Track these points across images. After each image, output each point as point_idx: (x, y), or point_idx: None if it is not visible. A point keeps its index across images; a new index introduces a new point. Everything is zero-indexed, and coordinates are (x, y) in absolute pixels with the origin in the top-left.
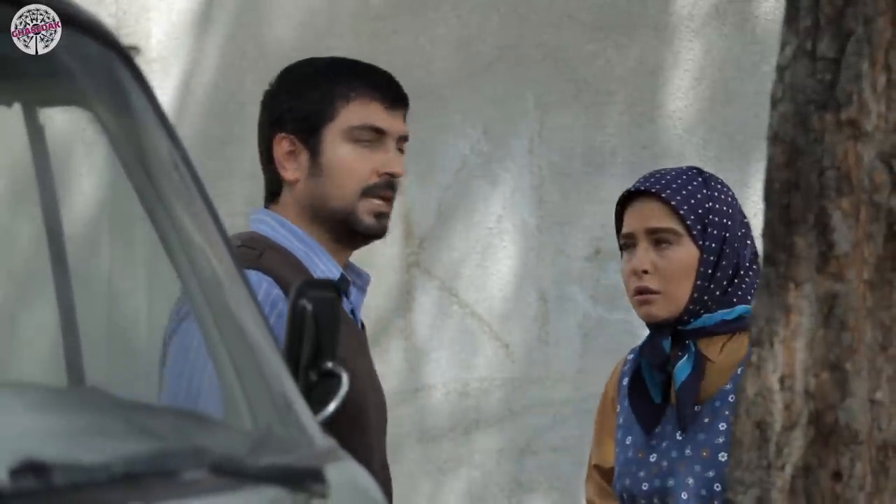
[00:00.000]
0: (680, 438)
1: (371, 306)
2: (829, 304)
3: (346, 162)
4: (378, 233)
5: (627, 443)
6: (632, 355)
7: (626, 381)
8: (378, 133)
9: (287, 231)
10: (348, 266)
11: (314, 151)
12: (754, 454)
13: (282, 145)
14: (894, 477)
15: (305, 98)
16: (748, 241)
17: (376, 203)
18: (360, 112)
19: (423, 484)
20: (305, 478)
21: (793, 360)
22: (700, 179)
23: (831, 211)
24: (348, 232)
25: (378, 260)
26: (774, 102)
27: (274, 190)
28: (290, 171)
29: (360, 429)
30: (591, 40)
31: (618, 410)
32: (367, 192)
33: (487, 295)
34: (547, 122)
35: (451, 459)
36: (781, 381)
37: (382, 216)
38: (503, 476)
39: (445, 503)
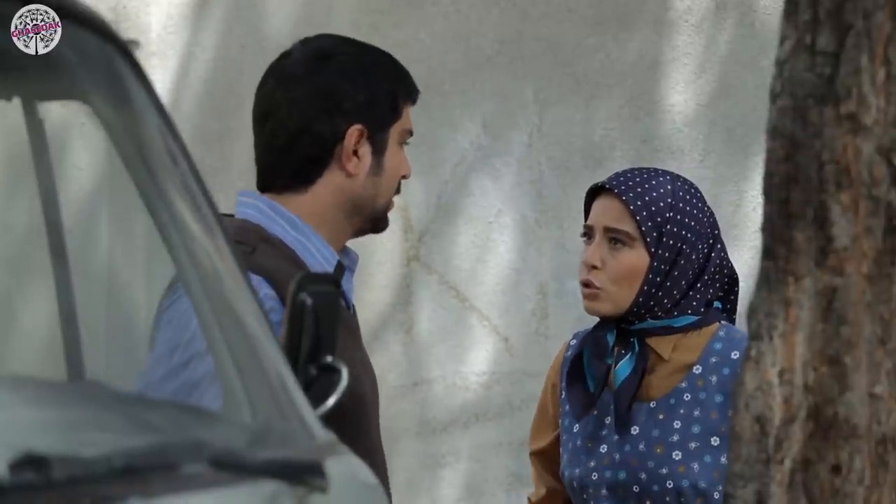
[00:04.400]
0: (634, 434)
1: (370, 300)
2: (829, 298)
3: (397, 164)
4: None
5: (575, 430)
6: (574, 340)
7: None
8: (410, 136)
9: (279, 216)
10: (342, 248)
11: (379, 149)
12: (753, 448)
13: (353, 136)
14: (893, 471)
15: (378, 92)
16: (713, 253)
17: (392, 202)
18: (408, 116)
19: (421, 477)
20: (305, 472)
21: (792, 354)
22: (669, 187)
23: (830, 205)
24: (373, 228)
25: (378, 254)
26: (773, 96)
27: (306, 175)
28: (354, 166)
29: (361, 416)
30: (590, 34)
31: (562, 396)
32: (394, 194)
33: (487, 289)
34: (546, 117)
35: (451, 453)
36: (780, 375)
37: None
38: (502, 470)
39: (444, 497)
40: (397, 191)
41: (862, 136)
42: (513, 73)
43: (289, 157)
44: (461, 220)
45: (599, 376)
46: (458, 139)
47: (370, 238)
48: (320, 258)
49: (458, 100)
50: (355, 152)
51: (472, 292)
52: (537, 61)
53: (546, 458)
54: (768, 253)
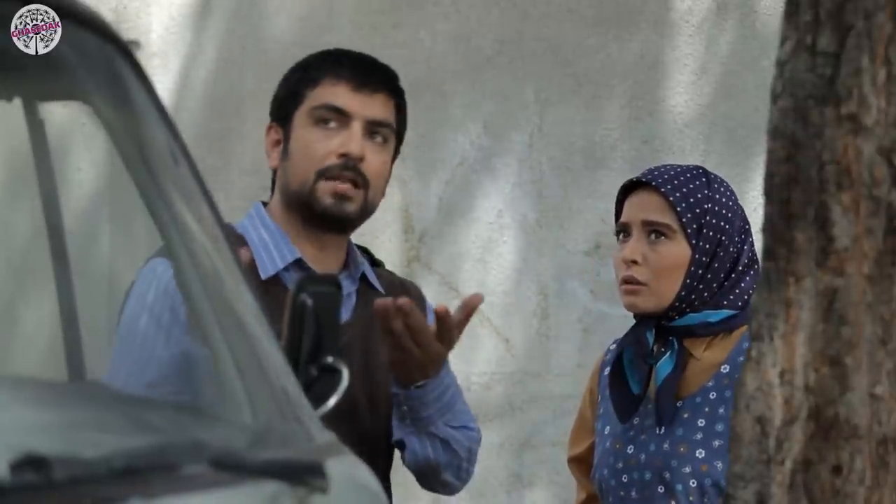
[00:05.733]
0: (659, 433)
1: None
2: (829, 299)
3: (305, 143)
4: (337, 214)
5: (606, 433)
6: (614, 345)
7: (606, 371)
8: (340, 114)
9: (259, 220)
10: (350, 254)
11: (286, 137)
12: (754, 449)
13: (269, 135)
14: (894, 471)
15: (283, 87)
16: (745, 247)
17: (333, 184)
18: (322, 94)
19: None
20: (305, 472)
21: (793, 354)
22: (704, 179)
23: (831, 205)
24: (311, 216)
25: (378, 254)
26: (774, 97)
27: (273, 180)
28: (273, 158)
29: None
30: (591, 35)
31: (598, 401)
32: (323, 174)
33: (488, 290)
34: (547, 117)
35: None
36: (781, 375)
37: (343, 198)
38: (503, 470)
39: (445, 498)
40: (346, 170)
41: (862, 136)
42: (513, 74)
43: None
44: (462, 220)
45: (642, 377)
46: (458, 139)
47: (370, 239)
48: (276, 255)
49: (458, 100)
50: (278, 148)
51: (472, 293)
52: (538, 61)
53: (584, 464)
54: (769, 253)
